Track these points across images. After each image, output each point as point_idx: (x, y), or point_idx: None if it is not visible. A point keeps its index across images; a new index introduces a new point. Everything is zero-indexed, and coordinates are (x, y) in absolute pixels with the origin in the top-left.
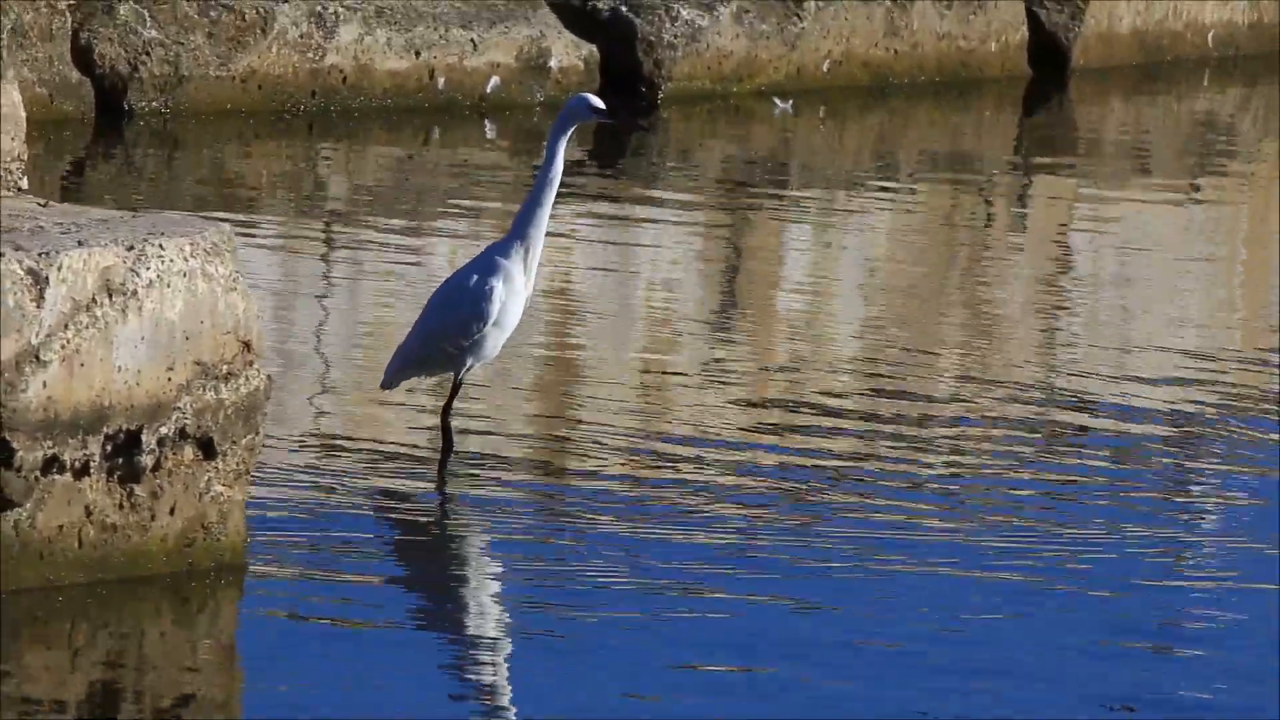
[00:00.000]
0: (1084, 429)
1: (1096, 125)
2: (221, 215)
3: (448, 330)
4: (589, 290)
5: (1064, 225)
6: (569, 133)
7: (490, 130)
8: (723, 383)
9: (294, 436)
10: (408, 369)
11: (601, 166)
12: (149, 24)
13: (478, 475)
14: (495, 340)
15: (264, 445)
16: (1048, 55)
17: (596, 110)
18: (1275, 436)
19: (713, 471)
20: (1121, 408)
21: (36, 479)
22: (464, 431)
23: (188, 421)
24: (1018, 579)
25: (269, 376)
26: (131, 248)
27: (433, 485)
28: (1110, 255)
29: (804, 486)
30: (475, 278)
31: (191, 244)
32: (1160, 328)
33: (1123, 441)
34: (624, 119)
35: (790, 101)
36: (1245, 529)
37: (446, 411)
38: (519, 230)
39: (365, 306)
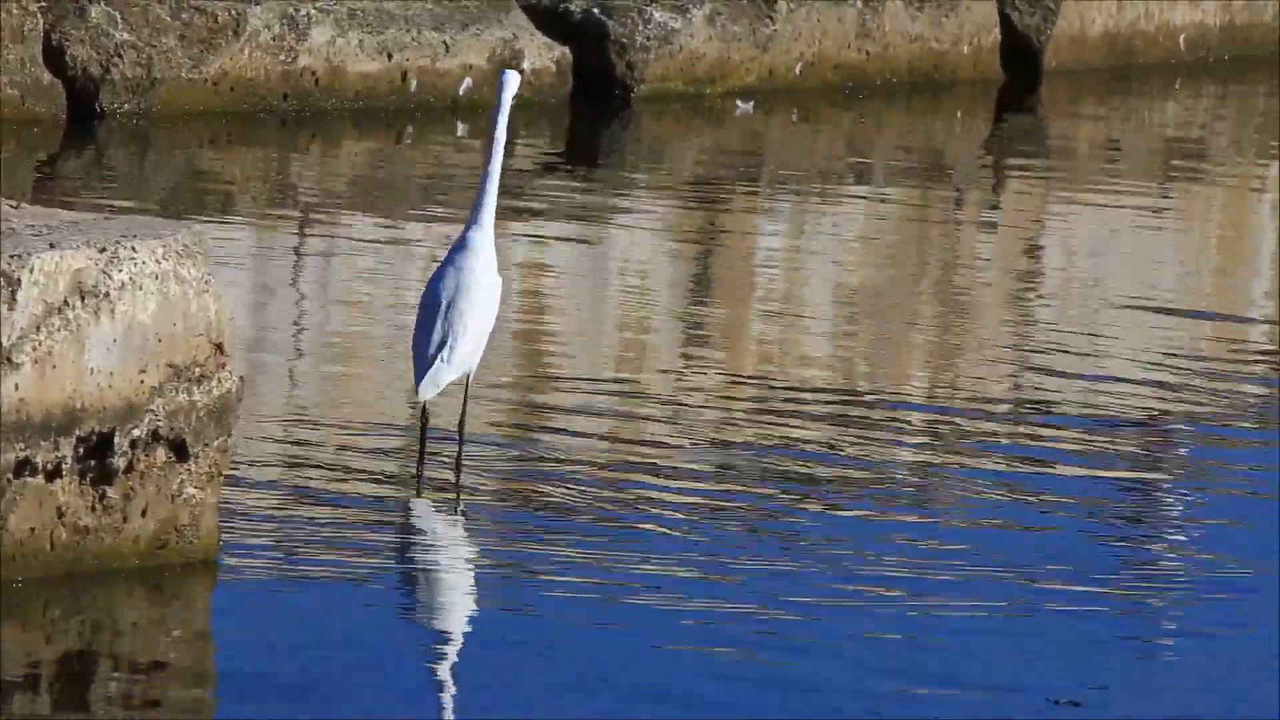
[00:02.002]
0: (1055, 429)
1: (1068, 128)
2: (193, 216)
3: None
4: (561, 286)
5: (1035, 227)
6: (506, 112)
7: (462, 130)
8: (696, 380)
9: (267, 438)
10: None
11: (574, 167)
12: (121, 26)
13: (449, 478)
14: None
15: (236, 446)
16: (1020, 57)
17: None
18: (1248, 440)
19: (685, 466)
20: (1092, 407)
21: (8, 481)
22: (436, 437)
23: (160, 423)
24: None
25: (241, 378)
26: (104, 250)
27: (406, 487)
28: (1082, 257)
29: (777, 486)
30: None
31: (164, 246)
32: (1132, 328)
33: (1093, 440)
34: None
35: (752, 103)
36: (1216, 538)
37: (461, 424)
38: (482, 213)
39: (338, 306)
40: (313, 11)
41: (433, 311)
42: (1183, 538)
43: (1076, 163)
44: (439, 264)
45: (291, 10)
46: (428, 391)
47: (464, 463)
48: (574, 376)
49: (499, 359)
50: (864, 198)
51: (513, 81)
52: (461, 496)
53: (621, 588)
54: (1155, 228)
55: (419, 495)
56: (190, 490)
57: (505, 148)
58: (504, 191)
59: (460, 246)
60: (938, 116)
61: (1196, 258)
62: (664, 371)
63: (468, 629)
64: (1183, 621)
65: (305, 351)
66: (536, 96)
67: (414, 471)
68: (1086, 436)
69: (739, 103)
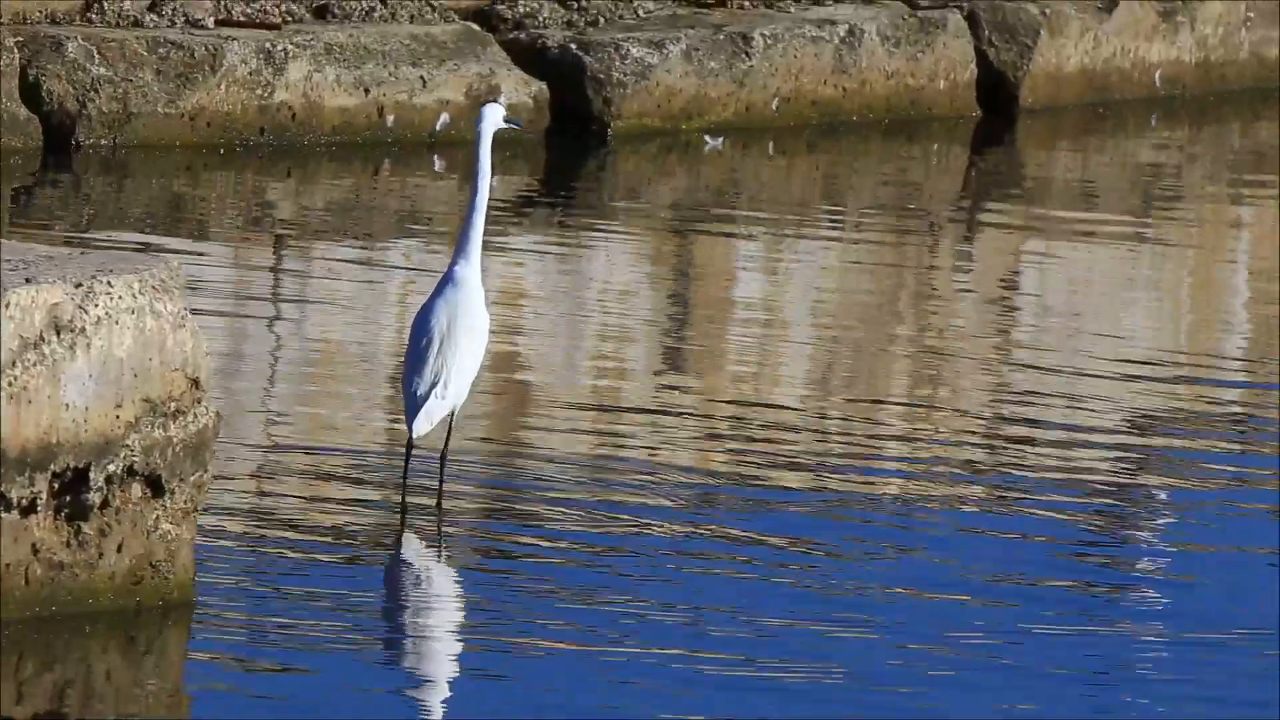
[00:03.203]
0: (1031, 467)
1: (1044, 164)
2: (169, 249)
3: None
4: (539, 321)
5: (1011, 262)
6: (489, 145)
7: (439, 165)
8: (673, 415)
9: (244, 473)
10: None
11: (553, 200)
12: (97, 61)
13: (429, 511)
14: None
15: (212, 482)
16: (996, 94)
17: (505, 119)
18: (1225, 469)
19: (663, 500)
20: (1068, 441)
21: None
22: (416, 468)
23: (136, 459)
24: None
25: (217, 413)
26: (80, 285)
27: (383, 520)
28: (1057, 293)
29: (756, 514)
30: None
31: (140, 281)
32: (1107, 366)
33: (1069, 470)
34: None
35: (721, 139)
36: (1191, 568)
37: (444, 456)
38: (468, 246)
39: (313, 338)
40: (289, 46)
41: (425, 348)
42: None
43: (1052, 199)
44: (427, 299)
45: (268, 45)
46: (421, 428)
47: (445, 492)
48: (550, 404)
49: (476, 390)
50: (838, 236)
51: (493, 114)
52: (443, 530)
53: (606, 626)
54: (1131, 266)
55: (401, 527)
56: (166, 526)
57: (489, 181)
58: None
59: (450, 281)
60: (914, 152)
61: (1172, 298)
62: (640, 399)
63: (449, 672)
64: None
65: (282, 384)
66: (513, 132)
67: (395, 502)
68: (1062, 474)
69: (707, 138)
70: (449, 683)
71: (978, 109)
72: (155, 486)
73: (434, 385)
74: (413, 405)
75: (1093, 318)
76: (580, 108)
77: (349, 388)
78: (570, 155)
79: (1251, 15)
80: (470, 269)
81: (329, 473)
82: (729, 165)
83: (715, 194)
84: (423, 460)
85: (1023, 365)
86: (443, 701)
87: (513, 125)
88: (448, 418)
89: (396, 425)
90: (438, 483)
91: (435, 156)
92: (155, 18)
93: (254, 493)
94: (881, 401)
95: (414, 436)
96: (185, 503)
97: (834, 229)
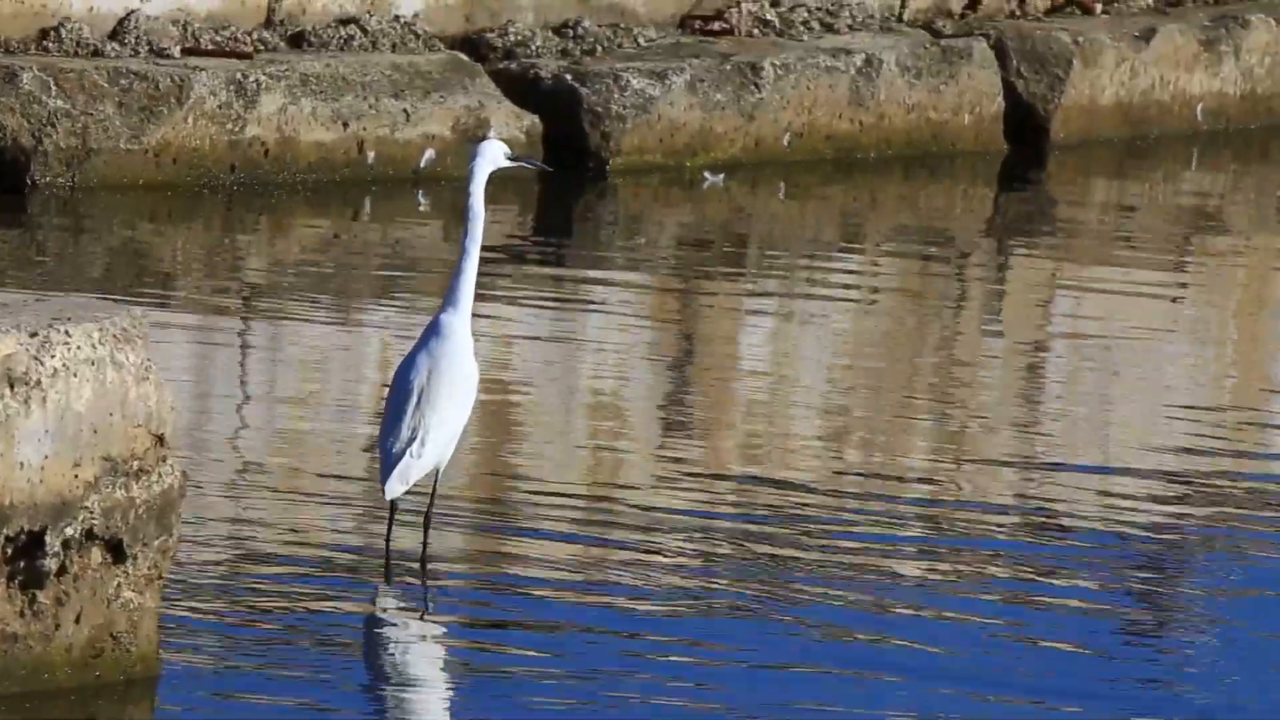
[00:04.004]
0: (1062, 530)
1: (1077, 203)
2: (132, 298)
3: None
4: (531, 373)
5: (1042, 310)
6: (482, 189)
7: (424, 204)
8: (675, 471)
9: (210, 536)
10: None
11: (546, 244)
12: (54, 93)
13: (414, 573)
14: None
15: (178, 547)
16: (1025, 128)
17: (511, 156)
18: (1269, 549)
19: (665, 567)
20: (1103, 508)
21: None
22: (400, 532)
23: (95, 521)
24: (987, 679)
25: (183, 473)
26: (35, 334)
27: (364, 587)
28: (1092, 343)
29: (763, 583)
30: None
31: (100, 330)
32: (1145, 422)
33: (1103, 543)
34: (534, 163)
35: (722, 175)
36: (1237, 648)
37: (428, 518)
38: (458, 296)
39: (287, 397)
40: (262, 77)
41: (403, 403)
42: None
43: (1086, 242)
44: (409, 350)
45: (239, 76)
46: (395, 489)
47: (429, 558)
48: (544, 463)
49: (463, 445)
50: (856, 280)
51: (492, 151)
52: (430, 599)
53: (601, 704)
54: (1171, 312)
55: (383, 596)
56: (128, 594)
57: (483, 225)
58: None
59: (434, 331)
60: (937, 191)
61: (1217, 351)
62: (641, 458)
63: None
64: None
65: (253, 443)
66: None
67: (377, 567)
68: (1094, 544)
69: (707, 174)
70: None
71: (1005, 144)
72: (116, 551)
73: (410, 443)
74: (387, 464)
75: (1130, 373)
76: (576, 143)
77: (327, 446)
78: (565, 194)
79: None
80: (458, 318)
81: (305, 537)
82: (737, 205)
83: (722, 236)
84: (407, 523)
85: (1053, 429)
86: None
87: (524, 164)
88: (431, 478)
89: (376, 480)
90: (421, 547)
91: (420, 195)
92: (117, 46)
93: (222, 559)
94: (899, 469)
95: (387, 498)
96: (149, 569)
97: (850, 274)
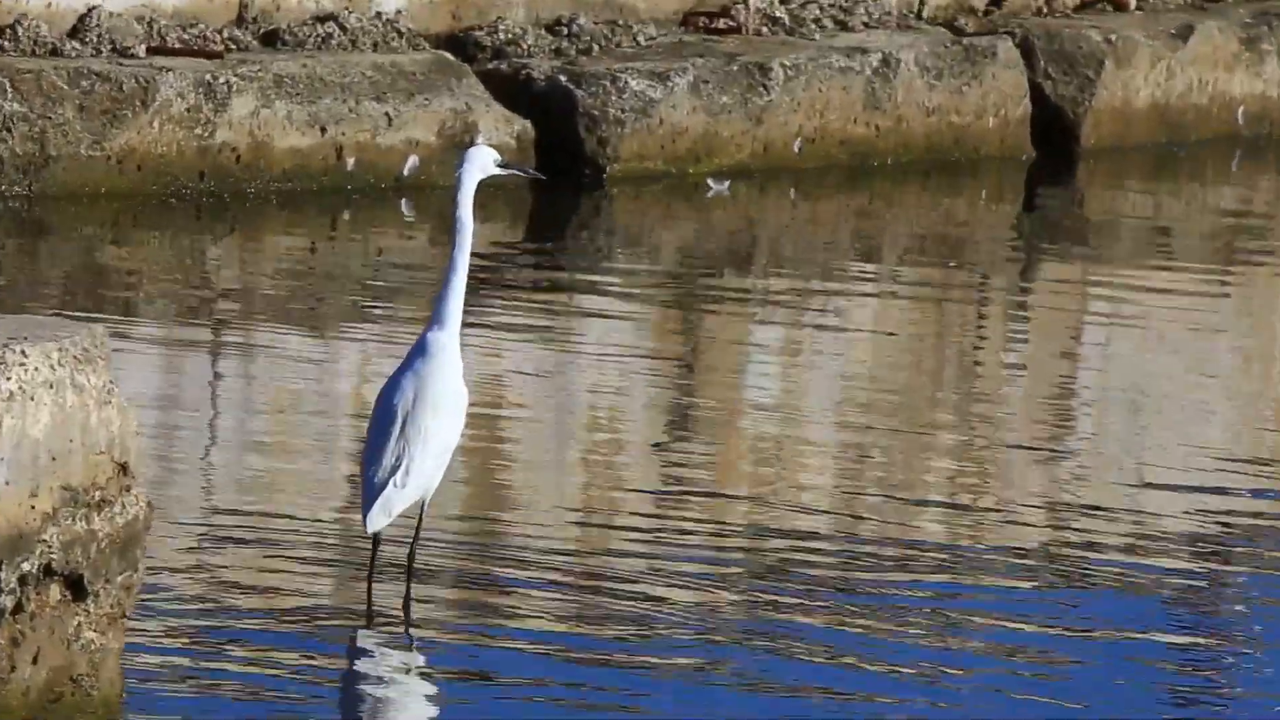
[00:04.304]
0: (1090, 569)
1: (1109, 213)
2: (94, 316)
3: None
4: (522, 401)
5: (1072, 330)
6: (471, 198)
7: (408, 214)
8: (677, 508)
9: (178, 572)
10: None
11: (538, 260)
12: (10, 95)
13: (397, 618)
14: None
15: (143, 583)
16: (1053, 133)
17: (502, 162)
18: None
19: (665, 621)
20: (1133, 554)
21: None
22: (384, 566)
23: (54, 556)
24: None
25: (149, 504)
26: None
27: (344, 628)
28: (1125, 364)
29: (768, 641)
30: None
31: (59, 350)
32: (1182, 452)
33: (1135, 581)
34: (524, 169)
35: (727, 183)
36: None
37: (411, 555)
38: (446, 312)
39: (259, 424)
40: (233, 78)
41: (386, 427)
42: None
43: (1119, 254)
44: (393, 372)
45: (209, 77)
46: (378, 521)
47: (413, 599)
48: (536, 504)
49: (450, 480)
50: (873, 296)
51: (480, 158)
52: (412, 647)
53: None
54: (1211, 330)
55: (364, 637)
56: (89, 634)
57: (471, 236)
58: None
59: (419, 350)
60: (958, 201)
61: (1261, 374)
62: (640, 501)
63: None
64: None
65: (224, 473)
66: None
67: (358, 608)
68: (1128, 578)
69: (711, 182)
70: None
71: (1032, 150)
72: (77, 588)
73: (393, 472)
74: (369, 495)
75: (1167, 399)
76: (571, 149)
77: (304, 475)
78: (559, 204)
79: None
80: (446, 336)
81: (280, 573)
82: (744, 216)
83: (728, 251)
84: (390, 557)
85: (1083, 462)
86: None
87: (515, 171)
88: (416, 510)
89: (358, 516)
90: (404, 586)
91: (403, 205)
92: (77, 45)
93: (191, 596)
94: (915, 513)
95: (369, 531)
96: (111, 607)
97: (865, 290)
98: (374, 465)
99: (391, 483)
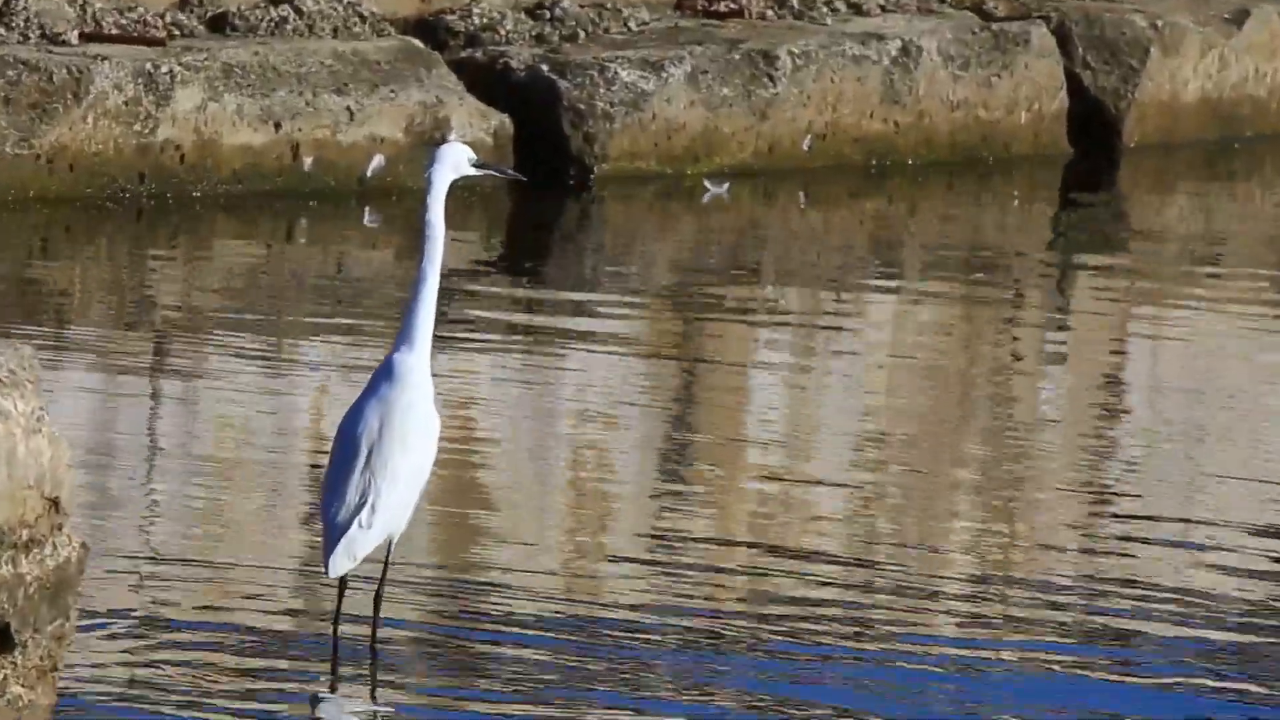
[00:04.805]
0: (1134, 613)
1: (1155, 218)
2: (22, 335)
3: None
4: (498, 434)
5: (1113, 348)
6: (441, 204)
7: (371, 220)
8: (670, 555)
9: (116, 621)
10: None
11: (517, 274)
12: None
13: (363, 676)
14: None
15: (76, 632)
16: (1092, 128)
17: (478, 162)
18: None
19: (657, 675)
20: (1184, 587)
21: None
22: (351, 617)
23: None
24: None
25: (83, 544)
26: None
27: (305, 678)
28: (1173, 384)
29: (773, 703)
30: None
31: None
32: (1236, 483)
33: (1183, 627)
34: (502, 169)
35: (727, 185)
36: None
37: (378, 600)
38: (414, 331)
39: (208, 454)
40: (177, 68)
41: (349, 461)
42: None
43: (1167, 265)
44: (356, 399)
45: (150, 66)
46: (341, 565)
47: (379, 646)
48: (514, 547)
49: (420, 517)
50: (892, 314)
51: (452, 156)
52: (380, 704)
53: None
54: (1269, 350)
55: (328, 688)
56: (16, 689)
57: (443, 245)
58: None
59: (385, 374)
60: (987, 205)
61: None
62: (630, 541)
63: None
64: None
65: (167, 509)
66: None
67: (318, 661)
68: (1177, 630)
69: (708, 183)
70: None
71: (1069, 148)
72: (3, 639)
73: (357, 510)
74: (331, 536)
75: (1219, 423)
76: (554, 147)
77: (255, 512)
78: (541, 209)
79: None
80: (415, 357)
81: (231, 623)
82: (747, 222)
83: (730, 262)
84: (356, 602)
85: (1127, 493)
86: None
87: (492, 171)
88: (382, 550)
89: (318, 556)
90: (370, 633)
91: (366, 210)
92: (2, 31)
93: (131, 649)
94: (938, 556)
95: (332, 577)
96: (41, 659)
97: (884, 305)
98: (336, 504)
99: (356, 522)
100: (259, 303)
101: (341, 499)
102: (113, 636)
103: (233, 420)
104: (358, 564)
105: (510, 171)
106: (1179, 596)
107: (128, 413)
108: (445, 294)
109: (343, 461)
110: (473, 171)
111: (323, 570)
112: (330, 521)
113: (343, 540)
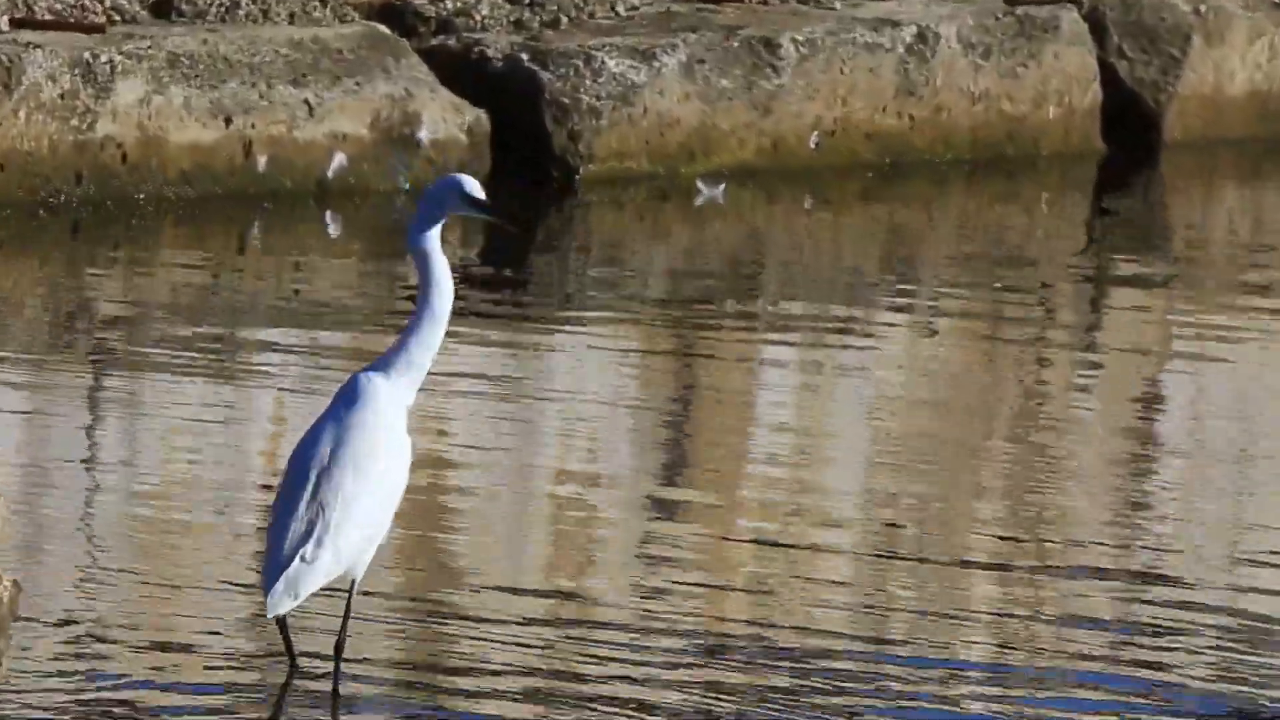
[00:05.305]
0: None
1: (1198, 222)
2: None
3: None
4: (474, 465)
5: (1151, 364)
6: (438, 228)
7: (333, 227)
8: (662, 602)
9: (50, 666)
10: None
11: (495, 280)
12: None
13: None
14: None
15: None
16: (1129, 124)
17: (471, 200)
18: None
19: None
20: (1230, 629)
21: None
22: (311, 655)
23: None
24: None
25: (15, 583)
26: None
27: None
28: (1216, 405)
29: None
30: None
31: None
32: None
33: (1229, 671)
34: (505, 214)
35: (722, 187)
36: None
37: (339, 649)
38: (400, 357)
39: (151, 485)
40: (118, 57)
41: (297, 488)
42: None
43: (1210, 273)
44: (315, 420)
45: (87, 56)
46: (282, 604)
47: (341, 695)
48: (492, 586)
49: (387, 557)
50: (907, 331)
51: (466, 189)
52: None
53: None
54: None
55: None
56: None
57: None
58: (389, 315)
59: (346, 394)
60: (1012, 209)
61: None
62: (619, 592)
63: None
64: None
65: (106, 545)
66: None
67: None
68: (1223, 667)
69: (701, 185)
70: None
71: (1103, 145)
72: None
73: (301, 542)
74: (272, 571)
75: (1270, 454)
76: (535, 145)
77: (202, 549)
78: (521, 214)
79: None
80: (387, 382)
81: (174, 670)
82: (748, 228)
83: (729, 272)
84: (314, 648)
85: (1165, 531)
86: None
87: (485, 216)
88: (344, 590)
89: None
90: (332, 688)
91: (328, 215)
92: None
93: (66, 700)
94: (959, 597)
95: (271, 616)
96: None
97: (898, 320)
98: (279, 535)
99: (300, 556)
100: (208, 319)
101: (285, 530)
102: (41, 692)
103: (178, 446)
104: (300, 602)
105: (504, 221)
106: (1220, 609)
107: (63, 438)
108: (409, 300)
109: (289, 489)
110: (465, 212)
111: (265, 607)
112: (272, 554)
113: (284, 576)
